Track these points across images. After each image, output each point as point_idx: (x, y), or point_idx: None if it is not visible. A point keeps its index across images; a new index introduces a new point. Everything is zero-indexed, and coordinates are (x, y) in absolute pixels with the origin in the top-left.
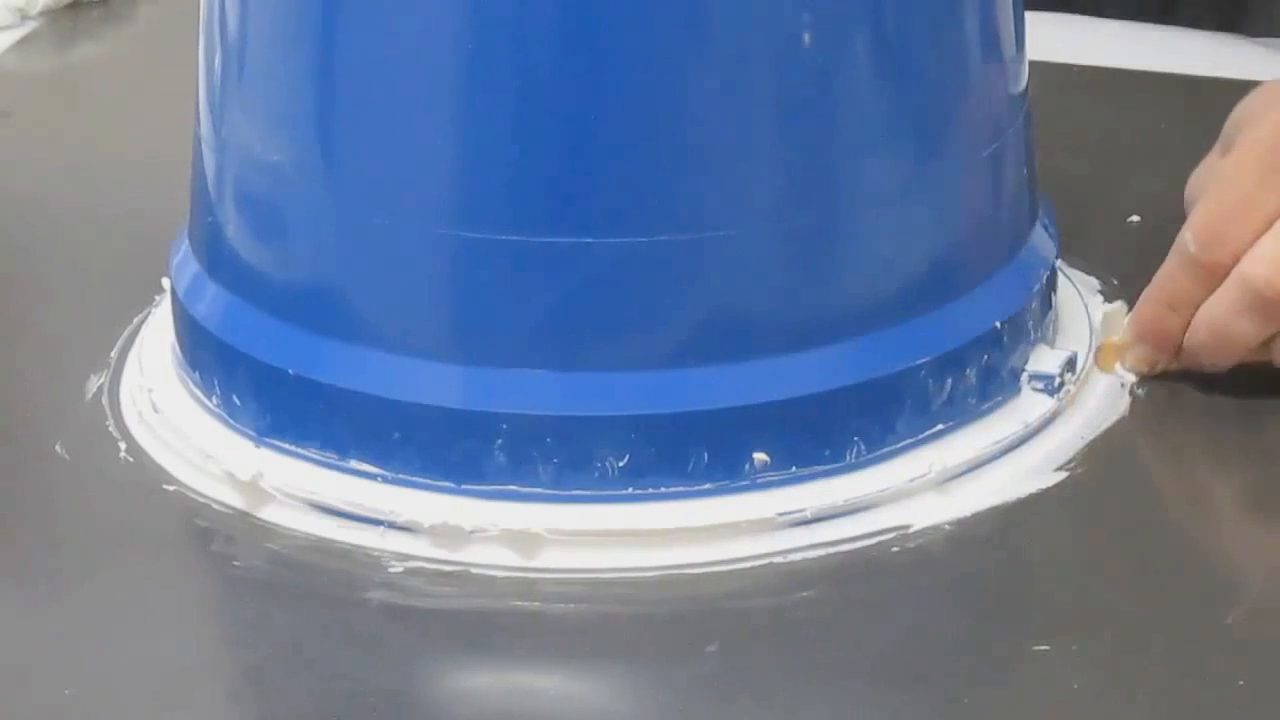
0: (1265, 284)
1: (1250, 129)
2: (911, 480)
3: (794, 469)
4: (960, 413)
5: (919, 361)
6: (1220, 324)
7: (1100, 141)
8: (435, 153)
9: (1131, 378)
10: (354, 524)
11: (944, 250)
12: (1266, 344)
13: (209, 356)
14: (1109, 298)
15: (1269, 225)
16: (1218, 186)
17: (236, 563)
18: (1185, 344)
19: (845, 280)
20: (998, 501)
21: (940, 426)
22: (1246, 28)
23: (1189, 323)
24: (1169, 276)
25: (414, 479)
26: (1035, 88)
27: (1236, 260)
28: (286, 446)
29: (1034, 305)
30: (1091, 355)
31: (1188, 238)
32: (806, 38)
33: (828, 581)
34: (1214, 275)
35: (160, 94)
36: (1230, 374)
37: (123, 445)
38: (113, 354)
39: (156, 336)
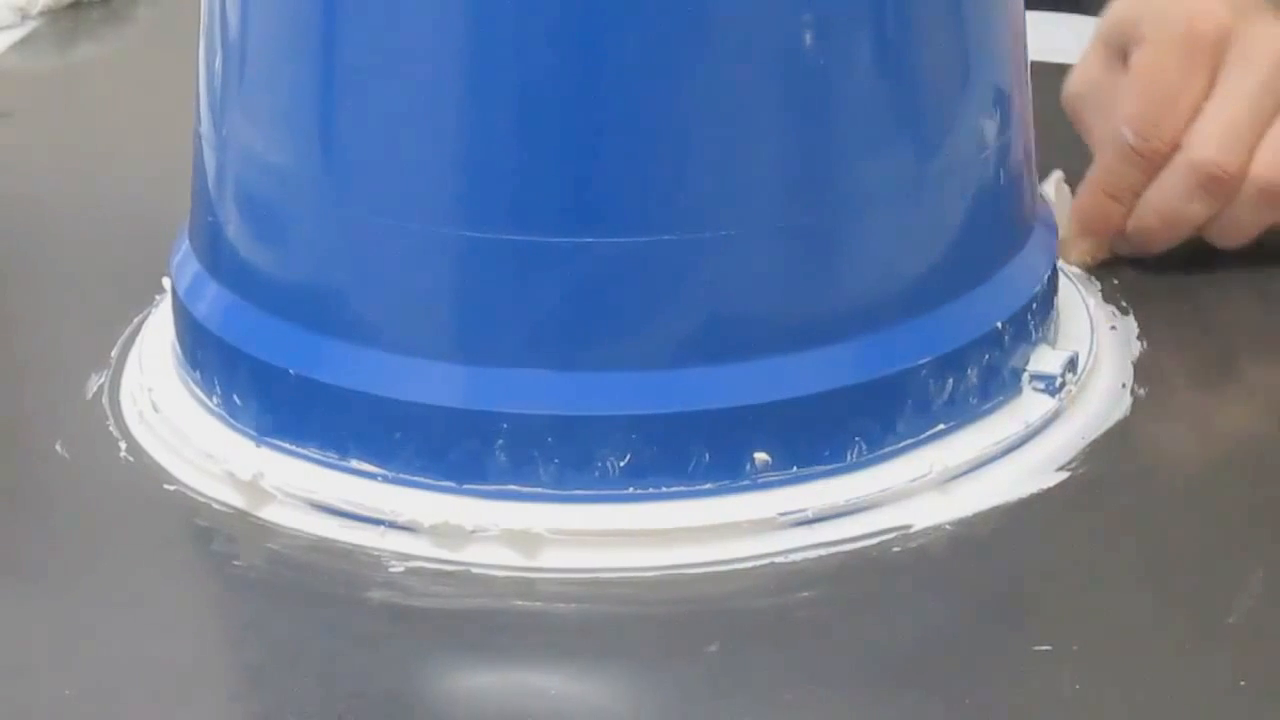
0: (1213, 165)
1: (1154, 24)
2: (912, 480)
3: (795, 469)
4: (961, 413)
5: (920, 361)
6: (1170, 207)
7: None
8: (436, 152)
9: (1131, 376)
10: (355, 524)
11: (945, 250)
12: (1205, 224)
13: (209, 356)
14: (1108, 297)
15: (1198, 110)
16: (1144, 79)
17: (237, 562)
18: (1131, 229)
19: (846, 280)
20: (999, 501)
21: (941, 426)
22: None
23: (1130, 211)
24: (1107, 169)
25: (415, 479)
26: (1035, 88)
27: (1173, 147)
28: (287, 446)
29: (1035, 305)
30: (1093, 357)
31: (1124, 130)
32: (807, 38)
33: (829, 582)
34: (1152, 163)
35: (161, 94)
36: (1232, 373)
37: (123, 445)
38: (113, 353)
39: (157, 336)
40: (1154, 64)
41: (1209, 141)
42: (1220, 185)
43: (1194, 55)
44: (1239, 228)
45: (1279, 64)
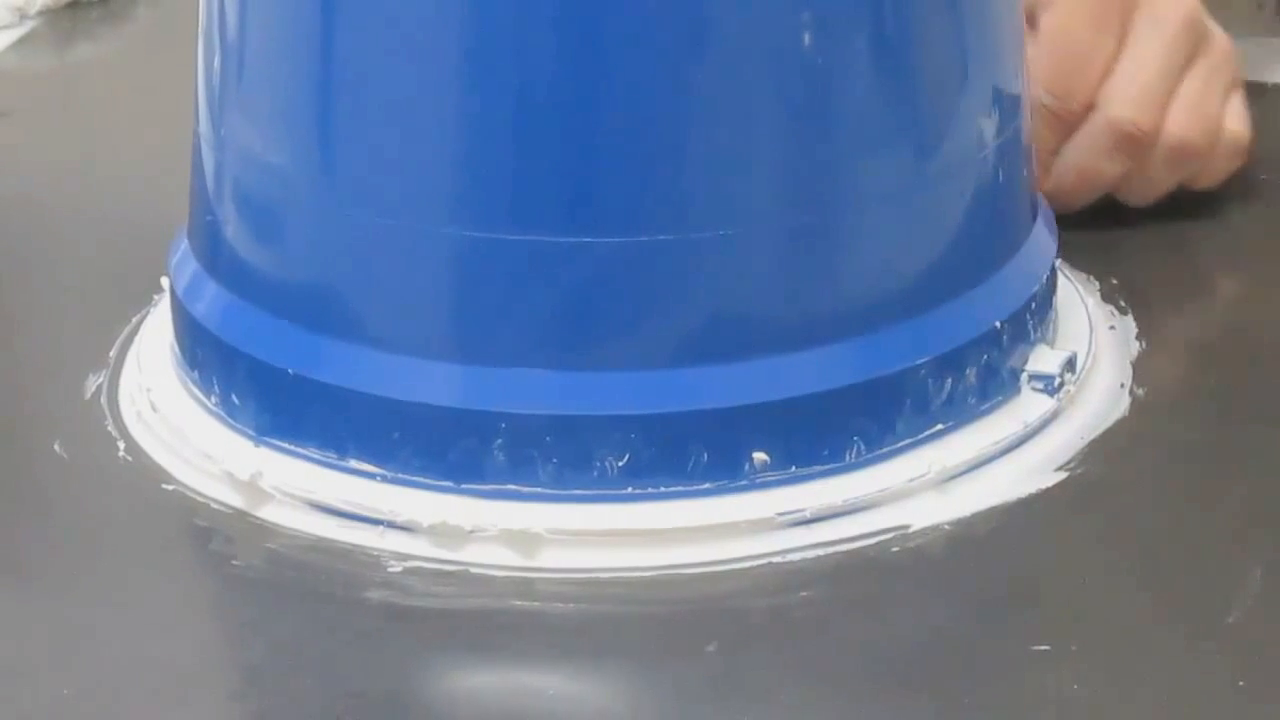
0: (1130, 123)
1: None
2: (911, 480)
3: (793, 469)
4: (960, 413)
5: (919, 361)
6: (1089, 166)
7: None
8: (435, 152)
9: (1130, 376)
10: (353, 523)
11: (944, 250)
12: (1117, 183)
13: (208, 355)
14: (1107, 297)
15: (1110, 70)
16: (1055, 42)
17: (235, 562)
18: (1051, 188)
19: (845, 280)
20: (997, 502)
21: (940, 426)
22: None
23: (1047, 171)
24: None
25: (413, 478)
26: None
27: (1087, 107)
28: (285, 446)
29: (1034, 305)
30: (1091, 356)
31: (1040, 93)
32: (806, 38)
33: (827, 581)
34: (1067, 124)
35: (159, 94)
36: (1232, 374)
37: (121, 444)
38: (112, 353)
39: (155, 335)
40: (1064, 26)
41: (1125, 101)
42: (1136, 144)
43: (1103, 16)
44: (1151, 186)
45: (1184, 23)
